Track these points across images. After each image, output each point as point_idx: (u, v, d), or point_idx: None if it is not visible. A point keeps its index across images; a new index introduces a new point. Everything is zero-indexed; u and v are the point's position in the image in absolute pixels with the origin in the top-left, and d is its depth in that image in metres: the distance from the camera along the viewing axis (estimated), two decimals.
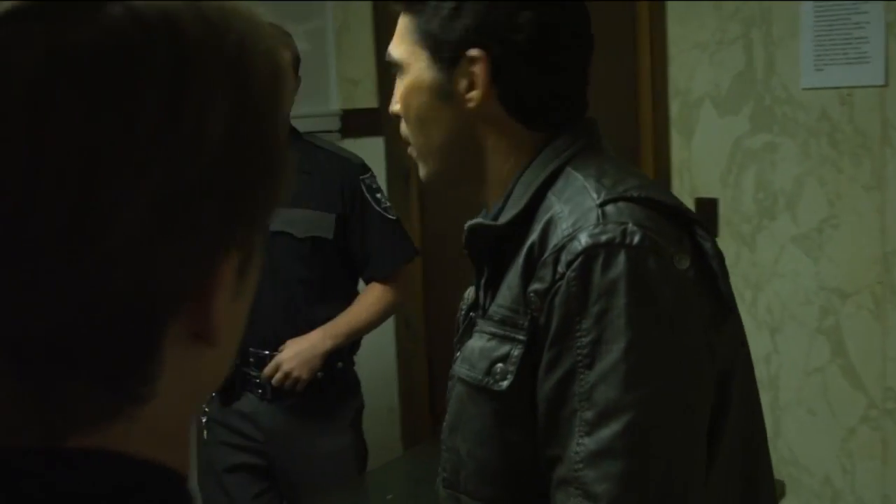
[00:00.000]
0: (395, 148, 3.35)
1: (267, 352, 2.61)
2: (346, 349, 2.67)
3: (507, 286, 1.19)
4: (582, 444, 1.10)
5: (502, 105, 1.23)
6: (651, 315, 1.10)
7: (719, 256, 1.19)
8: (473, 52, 1.21)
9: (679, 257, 1.14)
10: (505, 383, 1.18)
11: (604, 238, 1.11)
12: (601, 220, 1.12)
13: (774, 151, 2.81)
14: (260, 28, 0.60)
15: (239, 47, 0.57)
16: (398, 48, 1.28)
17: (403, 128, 1.32)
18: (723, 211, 2.93)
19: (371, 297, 2.67)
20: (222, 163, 0.56)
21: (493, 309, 1.21)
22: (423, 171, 1.34)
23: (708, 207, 2.93)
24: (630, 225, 1.12)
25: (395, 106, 1.30)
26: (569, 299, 1.11)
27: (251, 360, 2.63)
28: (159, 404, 0.57)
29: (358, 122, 3.67)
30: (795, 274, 2.81)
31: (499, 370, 1.19)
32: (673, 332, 1.12)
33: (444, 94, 1.24)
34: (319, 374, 2.60)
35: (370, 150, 3.38)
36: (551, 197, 1.20)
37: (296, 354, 2.57)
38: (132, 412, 0.56)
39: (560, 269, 1.12)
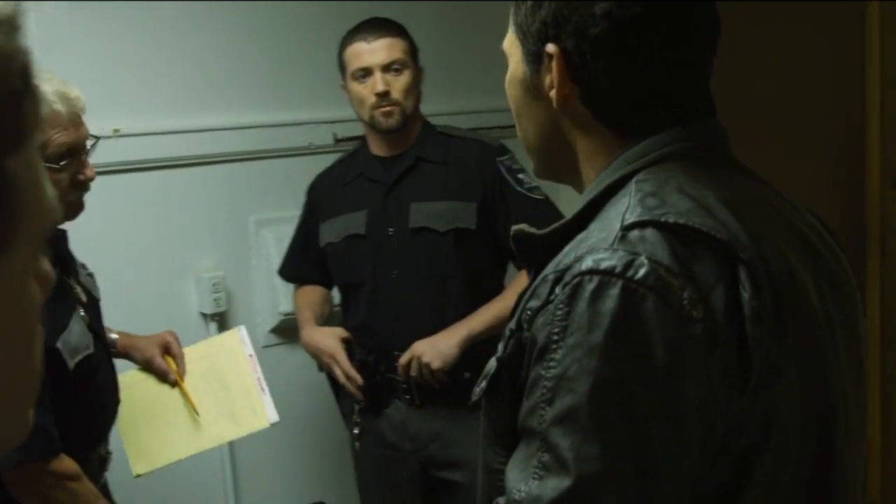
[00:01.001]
0: None
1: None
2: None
3: (523, 301, 1.12)
4: (529, 487, 1.01)
5: (585, 107, 1.16)
6: (630, 362, 0.98)
7: (760, 316, 1.02)
8: (549, 47, 1.15)
9: (692, 305, 1.00)
10: (475, 398, 1.16)
11: (604, 265, 1.00)
12: (614, 245, 1.02)
13: None
14: None
15: None
16: (507, 37, 1.25)
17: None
18: None
19: (520, 285, 2.42)
20: None
21: (510, 323, 1.15)
22: (532, 164, 1.32)
23: None
24: (641, 256, 1.00)
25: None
26: (552, 323, 1.02)
27: (396, 365, 2.62)
28: None
29: None
30: None
31: (481, 385, 1.15)
32: (652, 389, 0.98)
33: (533, 89, 1.20)
34: (467, 374, 2.53)
35: None
36: (604, 210, 1.11)
37: (430, 344, 2.55)
38: None
39: (556, 289, 1.03)
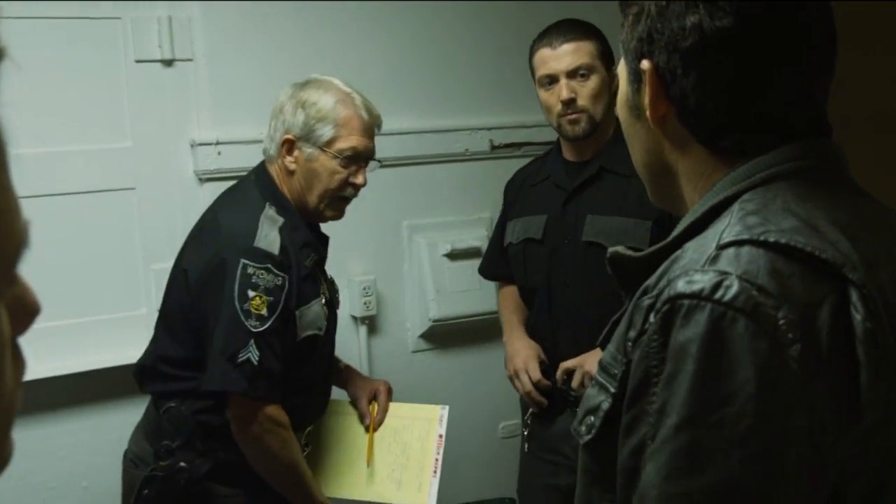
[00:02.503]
0: None
1: None
2: None
3: (619, 328, 1.07)
4: None
5: (682, 125, 1.09)
6: (719, 391, 0.91)
7: (874, 339, 0.94)
8: (644, 63, 1.09)
9: (789, 326, 0.92)
10: (587, 438, 1.08)
11: (693, 287, 0.94)
12: (705, 266, 0.95)
13: None
14: None
15: None
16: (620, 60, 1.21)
17: None
18: None
19: None
20: None
21: (605, 351, 1.09)
22: (648, 191, 1.24)
23: None
24: (732, 276, 0.93)
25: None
26: (648, 355, 0.96)
27: (566, 376, 2.63)
28: None
29: None
30: None
31: (588, 422, 1.08)
32: (743, 420, 0.90)
33: (635, 109, 1.15)
34: None
35: None
36: (703, 232, 1.04)
37: (597, 356, 2.50)
38: None
39: (651, 317, 0.97)
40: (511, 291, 2.93)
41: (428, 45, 3.39)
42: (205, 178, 3.02)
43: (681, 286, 0.95)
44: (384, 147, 3.28)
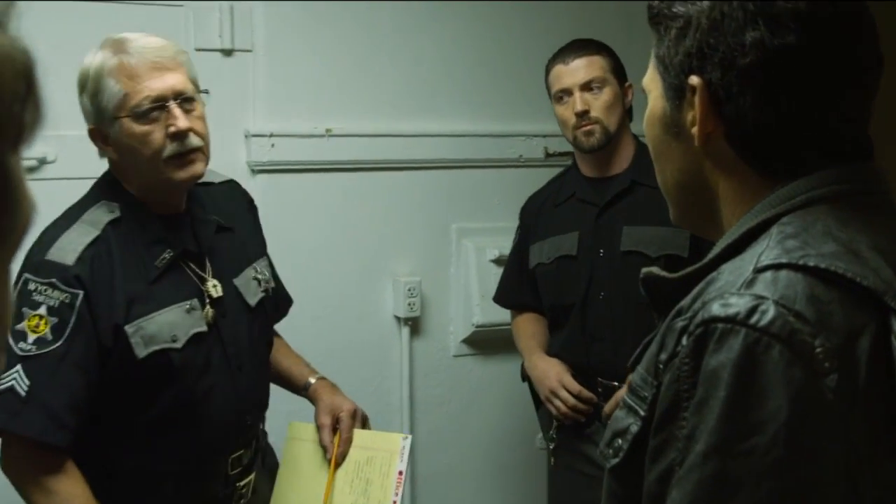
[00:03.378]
0: None
1: (616, 383, 2.58)
2: None
3: (650, 350, 1.03)
4: None
5: (730, 145, 1.05)
6: (750, 419, 0.88)
7: None
8: (693, 79, 1.04)
9: (825, 355, 0.89)
10: (614, 461, 1.05)
11: (728, 311, 0.91)
12: (741, 289, 0.93)
13: None
14: None
15: None
16: (647, 72, 1.16)
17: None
18: None
19: None
20: None
21: (635, 373, 1.06)
22: (670, 211, 1.21)
23: None
24: (768, 300, 0.91)
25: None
26: (679, 379, 0.94)
27: (599, 389, 2.63)
28: None
29: None
30: None
31: (616, 445, 1.05)
32: (773, 450, 0.87)
33: (673, 127, 1.10)
34: None
35: None
36: (740, 255, 1.01)
37: None
38: None
39: (683, 339, 0.95)
40: (527, 319, 2.92)
41: (487, 47, 3.37)
42: (257, 170, 3.03)
43: (715, 309, 0.93)
44: (437, 149, 3.28)
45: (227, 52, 2.98)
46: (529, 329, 2.89)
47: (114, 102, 1.92)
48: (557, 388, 2.66)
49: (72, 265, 1.89)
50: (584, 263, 2.67)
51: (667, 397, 0.95)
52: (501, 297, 3.03)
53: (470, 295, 3.36)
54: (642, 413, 1.01)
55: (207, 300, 2.02)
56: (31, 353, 1.84)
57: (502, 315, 3.09)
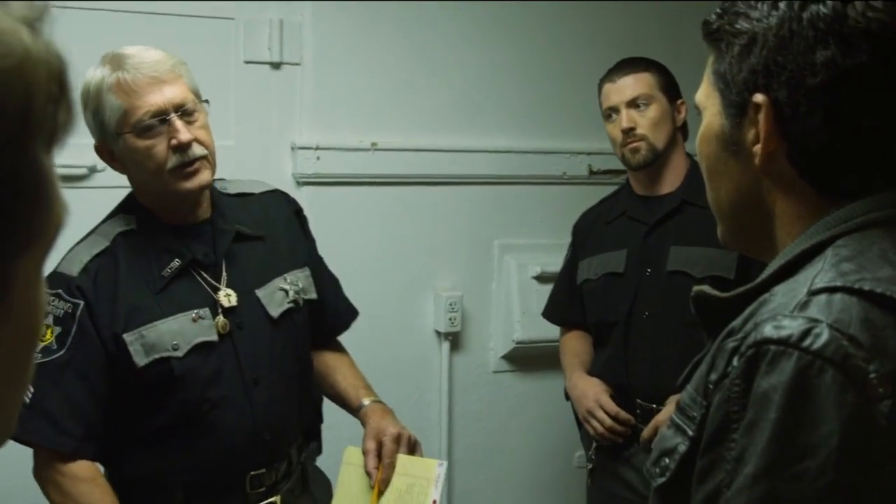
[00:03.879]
0: None
1: (654, 405, 2.56)
2: None
3: (700, 369, 1.03)
4: None
5: (792, 165, 1.04)
6: (801, 443, 0.87)
7: None
8: (758, 97, 1.03)
9: (880, 381, 0.87)
10: (661, 480, 1.04)
11: (781, 333, 0.90)
12: (795, 312, 0.92)
13: None
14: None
15: None
16: (700, 90, 1.15)
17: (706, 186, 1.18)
18: None
19: None
20: None
21: (684, 392, 1.05)
22: (719, 231, 1.19)
23: None
24: (822, 324, 0.89)
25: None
26: (729, 400, 0.93)
27: (638, 411, 2.61)
28: None
29: None
30: None
31: (662, 464, 1.04)
32: (824, 475, 0.86)
33: (732, 145, 1.08)
34: None
35: None
36: (793, 276, 1.00)
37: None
38: None
39: (734, 361, 0.94)
40: (573, 337, 2.91)
41: (533, 64, 3.37)
42: (303, 182, 3.05)
43: (768, 331, 0.92)
44: (482, 164, 3.29)
45: (276, 66, 3.01)
46: (575, 347, 2.88)
47: (115, 119, 1.92)
48: (595, 409, 2.64)
49: (75, 276, 1.93)
50: (631, 281, 2.66)
51: (716, 418, 0.94)
52: (550, 313, 3.01)
53: (511, 311, 3.35)
54: (690, 433, 1.00)
55: (220, 310, 2.01)
56: (37, 361, 1.83)
57: (543, 332, 3.08)
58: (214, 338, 1.99)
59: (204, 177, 1.98)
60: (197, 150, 1.95)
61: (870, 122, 1.01)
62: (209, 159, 2.00)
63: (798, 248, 1.02)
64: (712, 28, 1.11)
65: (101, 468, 2.00)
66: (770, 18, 1.04)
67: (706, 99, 1.13)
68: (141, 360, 1.93)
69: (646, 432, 2.52)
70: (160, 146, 1.92)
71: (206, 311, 1.99)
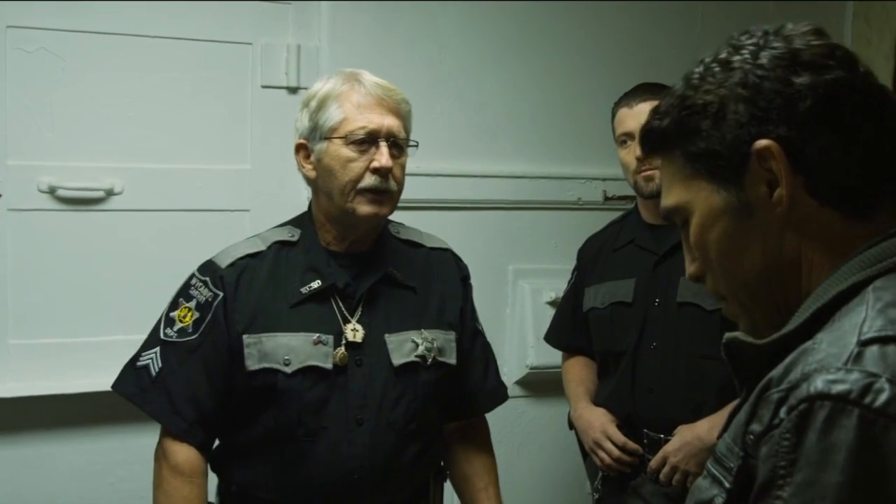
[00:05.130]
0: None
1: (662, 435, 2.54)
2: None
3: (738, 419, 0.99)
4: None
5: (812, 196, 1.02)
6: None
7: None
8: (760, 143, 1.01)
9: None
10: None
11: (837, 389, 0.87)
12: (849, 365, 0.88)
13: None
14: None
15: None
16: (669, 196, 1.13)
17: (711, 284, 1.13)
18: None
19: None
20: None
21: (720, 441, 1.02)
22: (746, 324, 1.12)
23: None
24: (882, 379, 0.86)
25: (691, 268, 1.14)
26: (776, 454, 0.89)
27: (645, 441, 2.58)
28: None
29: None
30: None
31: None
32: None
33: (743, 211, 1.05)
34: None
35: None
36: (833, 321, 0.96)
37: (682, 446, 2.46)
38: None
39: (781, 413, 0.90)
40: (577, 364, 2.89)
41: (549, 90, 3.38)
42: None
43: (821, 385, 0.88)
44: (496, 190, 3.29)
45: (293, 90, 3.03)
46: (579, 375, 2.85)
47: (331, 123, 2.00)
48: (602, 440, 2.62)
49: (223, 268, 2.04)
50: (639, 312, 2.63)
51: (764, 471, 0.91)
52: (553, 338, 3.00)
53: (525, 336, 3.35)
54: (727, 485, 0.98)
55: (344, 342, 2.01)
56: (171, 340, 2.01)
57: (556, 357, 3.07)
58: (328, 366, 2.00)
59: (384, 209, 2.04)
60: (392, 182, 2.02)
61: (871, 126, 1.02)
62: (394, 196, 2.05)
63: (833, 289, 0.99)
64: (662, 128, 1.10)
65: (205, 466, 2.05)
66: (729, 80, 1.05)
67: (686, 193, 1.10)
68: (252, 364, 1.98)
69: (654, 462, 2.49)
70: (360, 163, 1.99)
71: (329, 339, 2.01)
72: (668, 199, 1.13)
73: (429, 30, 3.20)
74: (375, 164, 1.98)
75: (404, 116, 2.06)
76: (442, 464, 2.28)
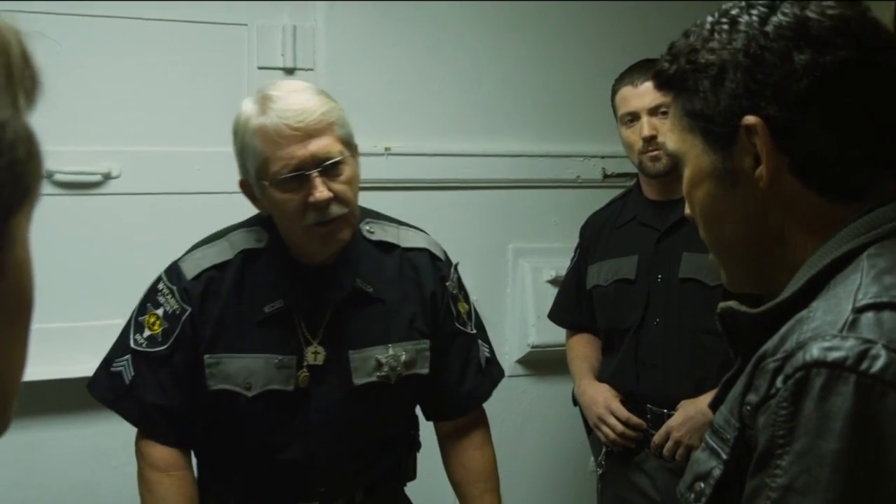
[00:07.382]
0: None
1: (665, 410, 2.55)
2: None
3: (734, 390, 0.99)
4: None
5: (796, 177, 1.02)
6: (871, 473, 0.84)
7: None
8: (748, 119, 1.01)
9: None
10: None
11: (833, 356, 0.87)
12: (844, 332, 0.88)
13: None
14: None
15: None
16: (671, 138, 1.13)
17: (703, 234, 1.15)
18: None
19: None
20: None
21: (717, 413, 1.03)
22: (725, 278, 1.16)
23: None
24: (878, 345, 0.86)
25: (686, 209, 1.16)
26: (775, 424, 0.89)
27: (648, 416, 2.60)
28: None
29: None
30: None
31: (698, 488, 1.01)
32: None
33: (728, 178, 1.06)
34: None
35: None
36: (828, 289, 0.96)
37: (685, 421, 2.48)
38: None
39: (778, 382, 0.90)
40: (581, 340, 2.89)
41: (546, 68, 3.37)
42: None
43: (817, 353, 0.88)
44: (495, 169, 3.28)
45: (289, 71, 3.02)
46: (582, 351, 2.86)
47: (256, 165, 1.87)
48: (605, 415, 2.63)
49: (189, 280, 1.96)
50: (642, 288, 2.64)
51: (762, 441, 0.91)
52: (556, 316, 3.01)
53: (526, 315, 3.35)
54: (724, 456, 0.98)
55: (305, 364, 1.97)
56: (142, 349, 1.97)
57: (558, 336, 3.07)
58: (290, 388, 1.97)
59: (342, 236, 1.92)
60: (335, 209, 1.86)
61: (867, 116, 1.00)
62: (349, 218, 1.91)
63: (826, 257, 1.00)
64: (669, 73, 1.10)
65: (185, 460, 2.05)
66: (733, 43, 1.03)
67: (683, 144, 1.11)
68: (214, 383, 1.96)
69: (657, 437, 2.51)
70: (296, 201, 1.85)
71: (291, 360, 1.97)
72: (669, 143, 1.15)
73: (425, 9, 3.18)
74: (311, 199, 1.83)
75: (331, 128, 1.87)
76: (413, 433, 2.25)
